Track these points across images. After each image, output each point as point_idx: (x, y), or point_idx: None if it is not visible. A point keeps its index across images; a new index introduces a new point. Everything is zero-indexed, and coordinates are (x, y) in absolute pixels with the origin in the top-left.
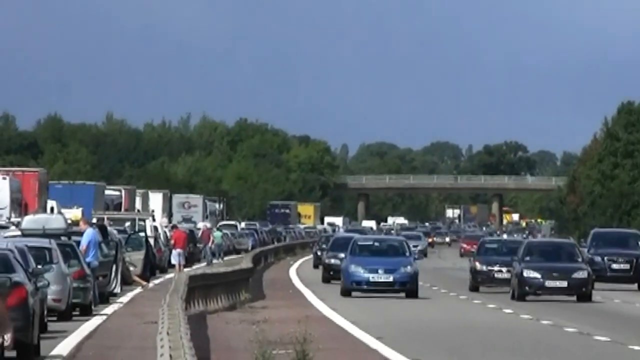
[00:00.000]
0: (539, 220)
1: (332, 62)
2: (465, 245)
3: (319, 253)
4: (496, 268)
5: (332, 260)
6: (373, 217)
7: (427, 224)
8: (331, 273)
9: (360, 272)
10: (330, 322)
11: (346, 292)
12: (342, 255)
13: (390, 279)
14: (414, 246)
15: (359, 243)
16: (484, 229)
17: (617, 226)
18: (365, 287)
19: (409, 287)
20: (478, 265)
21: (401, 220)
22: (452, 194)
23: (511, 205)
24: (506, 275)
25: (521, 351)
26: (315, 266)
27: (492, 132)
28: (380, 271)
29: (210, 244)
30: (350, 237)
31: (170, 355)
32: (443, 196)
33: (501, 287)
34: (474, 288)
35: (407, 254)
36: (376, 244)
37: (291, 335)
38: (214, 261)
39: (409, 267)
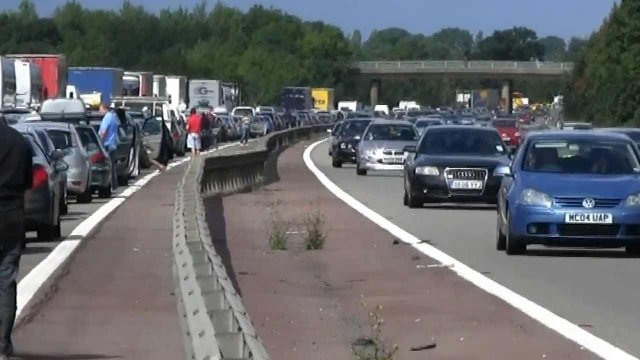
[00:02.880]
0: (547, 105)
1: None
2: None
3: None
4: None
5: (344, 145)
6: (386, 102)
7: (438, 109)
8: (343, 157)
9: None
10: (342, 204)
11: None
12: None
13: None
14: None
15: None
16: (494, 112)
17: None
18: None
19: None
20: None
21: (413, 105)
22: (462, 79)
23: (521, 90)
24: None
25: None
26: (331, 153)
27: (502, 18)
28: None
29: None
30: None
31: (186, 236)
32: (454, 82)
33: None
34: None
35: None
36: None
37: (304, 216)
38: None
39: None
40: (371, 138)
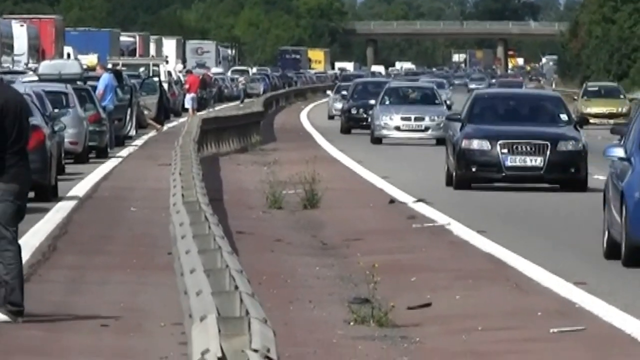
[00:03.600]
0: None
1: None
2: None
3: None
4: None
5: (354, 110)
6: (381, 62)
7: (434, 69)
8: (353, 122)
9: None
10: (338, 163)
11: (377, 140)
12: (369, 101)
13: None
14: None
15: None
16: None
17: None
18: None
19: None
20: None
21: (408, 65)
22: (458, 39)
23: (516, 50)
24: None
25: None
26: (331, 117)
27: None
28: (412, 119)
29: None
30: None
31: (183, 195)
32: (449, 41)
33: None
34: None
35: (438, 101)
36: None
37: (300, 175)
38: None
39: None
40: (387, 102)
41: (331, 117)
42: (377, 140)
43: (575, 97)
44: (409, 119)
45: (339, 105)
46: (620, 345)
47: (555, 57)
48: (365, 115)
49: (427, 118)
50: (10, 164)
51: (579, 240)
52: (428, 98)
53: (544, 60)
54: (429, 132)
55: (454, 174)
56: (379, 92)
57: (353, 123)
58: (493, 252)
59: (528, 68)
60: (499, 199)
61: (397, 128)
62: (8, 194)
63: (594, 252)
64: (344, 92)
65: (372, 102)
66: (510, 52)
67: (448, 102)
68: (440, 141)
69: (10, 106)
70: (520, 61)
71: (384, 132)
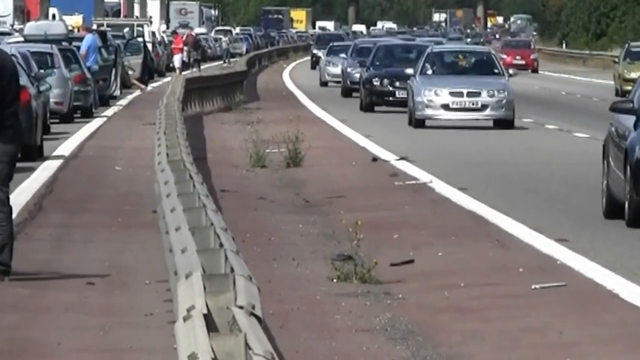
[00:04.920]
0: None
1: None
2: (506, 58)
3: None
4: None
5: (377, 81)
6: (363, 21)
7: (414, 28)
8: (376, 97)
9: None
10: (321, 122)
11: (419, 124)
12: (400, 70)
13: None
14: None
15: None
16: (469, 31)
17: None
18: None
19: None
20: None
21: (390, 24)
22: None
23: (496, 8)
24: None
25: None
26: (313, 67)
27: None
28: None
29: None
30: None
31: (167, 154)
32: (430, 1)
33: None
34: None
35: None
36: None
37: (284, 134)
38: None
39: None
40: (429, 71)
41: (324, 84)
42: (420, 123)
43: (616, 60)
44: (460, 94)
45: (333, 70)
46: (601, 301)
47: (526, 16)
48: (391, 88)
49: (484, 93)
50: (8, 125)
51: (560, 197)
52: (484, 66)
53: (512, 19)
54: (487, 111)
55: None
56: (406, 57)
57: (376, 98)
58: (475, 209)
59: (506, 26)
60: (481, 157)
61: (446, 107)
62: (5, 155)
63: (576, 209)
64: (343, 55)
65: (403, 70)
66: (490, 12)
67: None
68: (499, 122)
69: (8, 66)
70: (500, 20)
71: (428, 111)
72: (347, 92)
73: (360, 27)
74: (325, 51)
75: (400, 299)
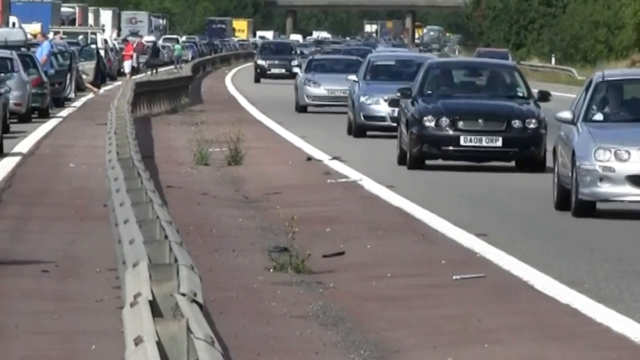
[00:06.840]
0: (447, 34)
1: None
2: None
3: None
4: None
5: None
6: (300, 31)
7: (347, 38)
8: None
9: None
10: (260, 124)
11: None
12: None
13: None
14: None
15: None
16: (397, 41)
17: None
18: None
19: None
20: None
21: (325, 34)
22: (370, 10)
23: (423, 20)
24: None
25: None
26: (257, 80)
27: None
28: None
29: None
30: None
31: (117, 152)
32: (362, 13)
33: None
34: None
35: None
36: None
37: (226, 135)
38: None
39: None
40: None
41: (303, 109)
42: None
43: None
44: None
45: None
46: (517, 291)
47: (438, 27)
48: (452, 132)
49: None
50: None
51: (482, 194)
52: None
53: (424, 30)
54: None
55: None
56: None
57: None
58: (402, 205)
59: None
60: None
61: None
62: None
63: (496, 206)
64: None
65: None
66: (418, 23)
67: None
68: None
69: None
70: None
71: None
72: (360, 131)
73: (297, 37)
74: (304, 67)
75: (331, 288)
